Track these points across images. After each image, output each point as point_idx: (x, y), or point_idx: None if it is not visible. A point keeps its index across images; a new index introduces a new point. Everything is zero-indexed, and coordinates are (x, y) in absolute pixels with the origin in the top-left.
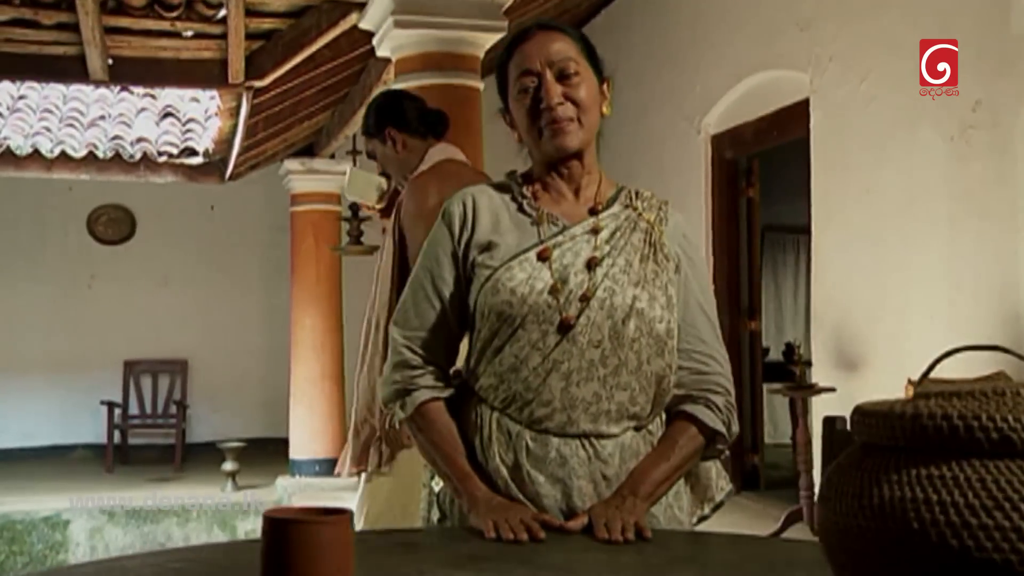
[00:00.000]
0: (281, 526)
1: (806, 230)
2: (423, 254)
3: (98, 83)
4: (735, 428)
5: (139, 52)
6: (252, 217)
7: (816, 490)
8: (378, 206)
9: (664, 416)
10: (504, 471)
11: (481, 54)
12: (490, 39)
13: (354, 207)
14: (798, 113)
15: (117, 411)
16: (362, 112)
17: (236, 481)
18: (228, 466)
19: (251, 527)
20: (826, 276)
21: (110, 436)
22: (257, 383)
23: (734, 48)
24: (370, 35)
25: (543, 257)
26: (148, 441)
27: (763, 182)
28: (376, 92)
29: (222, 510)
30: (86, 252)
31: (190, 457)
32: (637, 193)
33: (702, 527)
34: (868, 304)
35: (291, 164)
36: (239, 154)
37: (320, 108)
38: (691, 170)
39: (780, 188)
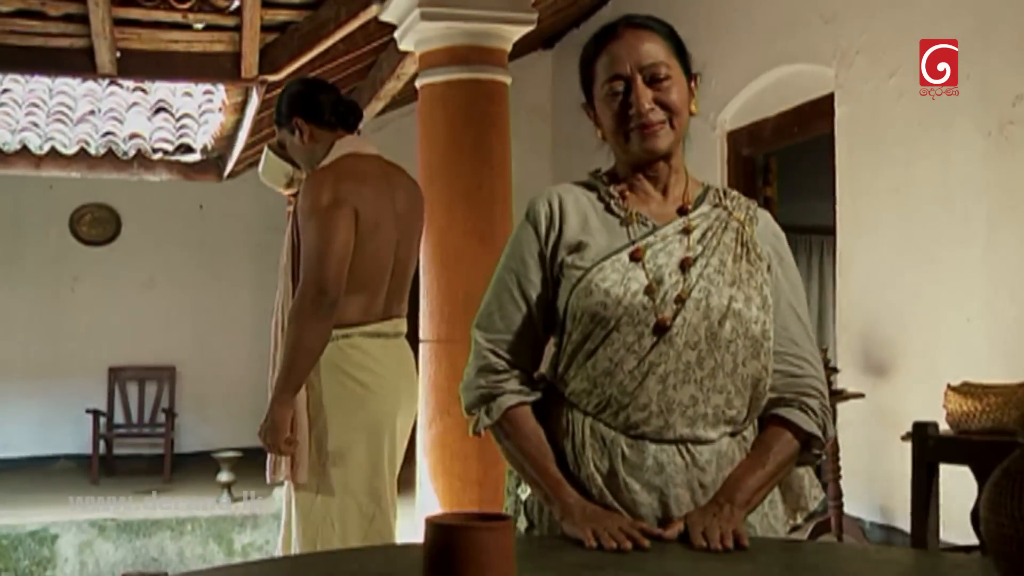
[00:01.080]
0: (446, 532)
1: (828, 230)
2: (507, 255)
3: (106, 77)
4: (831, 432)
5: (149, 45)
6: (243, 217)
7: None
8: (287, 192)
9: (757, 423)
10: (599, 479)
11: (509, 47)
12: (518, 32)
13: None
14: (822, 108)
15: (102, 420)
16: (369, 109)
17: (232, 492)
18: (224, 476)
19: (248, 540)
20: (852, 278)
21: (95, 446)
22: (249, 390)
23: (753, 41)
24: (387, 28)
25: (635, 258)
26: (134, 451)
27: (781, 180)
28: (388, 87)
29: (218, 523)
30: (68, 253)
31: (179, 468)
32: (725, 192)
33: None
34: (898, 307)
35: None
36: (242, 151)
37: None
38: (706, 167)
39: (800, 187)
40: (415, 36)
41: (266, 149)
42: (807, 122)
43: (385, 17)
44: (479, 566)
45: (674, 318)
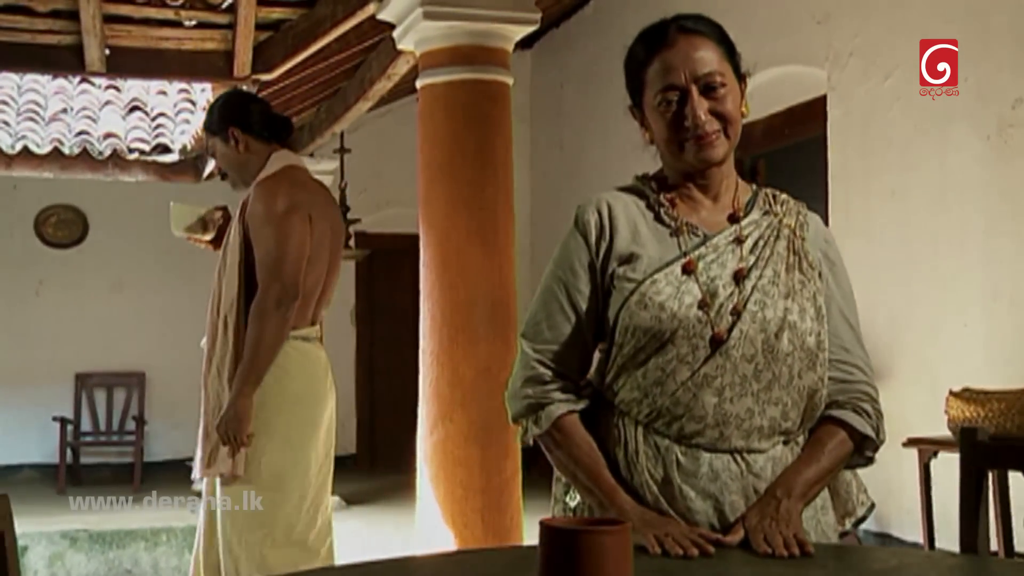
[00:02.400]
0: (564, 535)
1: None
2: (555, 264)
3: (95, 75)
4: (883, 435)
5: (139, 42)
6: None
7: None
8: (206, 237)
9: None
10: (653, 486)
11: (511, 47)
12: (521, 31)
13: (343, 208)
14: (814, 111)
15: (69, 428)
16: (357, 108)
17: None
18: (198, 485)
19: None
20: None
21: (62, 455)
22: None
23: (742, 42)
24: (380, 27)
25: (688, 270)
26: (101, 460)
27: (769, 183)
28: (378, 87)
29: (193, 533)
30: (33, 256)
31: (149, 476)
32: (774, 196)
33: None
34: (894, 313)
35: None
36: None
37: (310, 104)
38: None
39: (788, 190)
40: (416, 35)
41: (171, 204)
42: (798, 124)
43: (383, 16)
44: (597, 569)
45: (730, 331)
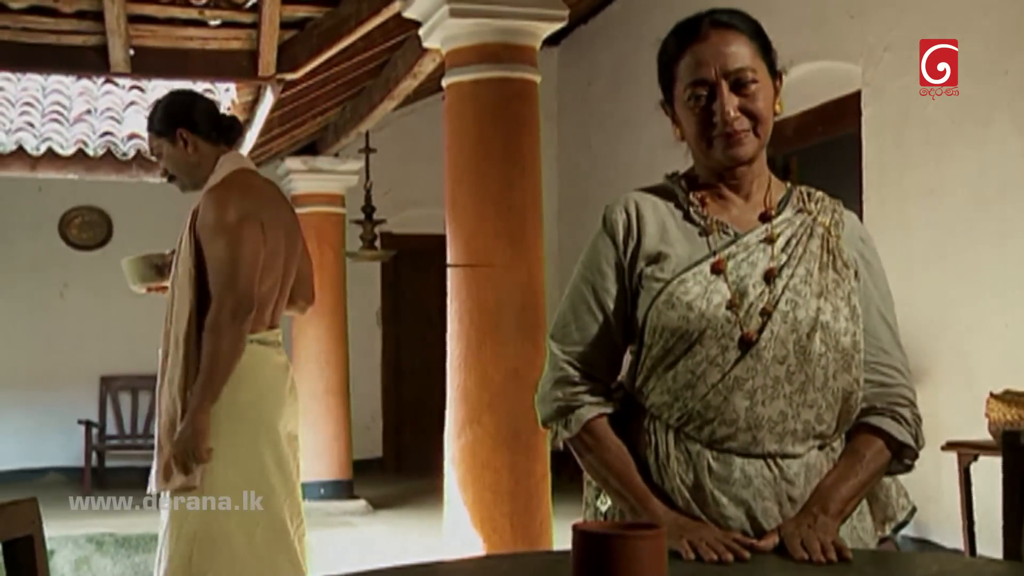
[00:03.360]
0: (598, 540)
1: None
2: (583, 265)
3: (119, 75)
4: (922, 441)
5: (163, 42)
6: None
7: None
8: (166, 283)
9: (844, 434)
10: (685, 491)
11: (539, 44)
12: (548, 28)
13: (368, 209)
14: (847, 107)
15: (94, 431)
16: (382, 107)
17: None
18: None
19: None
20: None
21: (87, 458)
22: None
23: (774, 37)
24: (405, 25)
25: (717, 269)
26: (127, 463)
27: (802, 181)
28: (403, 86)
29: None
30: (58, 258)
31: None
32: (809, 194)
33: None
34: (931, 313)
35: (292, 163)
36: (250, 152)
37: (335, 103)
38: None
39: (821, 188)
40: (442, 33)
41: (123, 261)
42: (831, 121)
43: (409, 14)
44: (631, 574)
45: (761, 331)
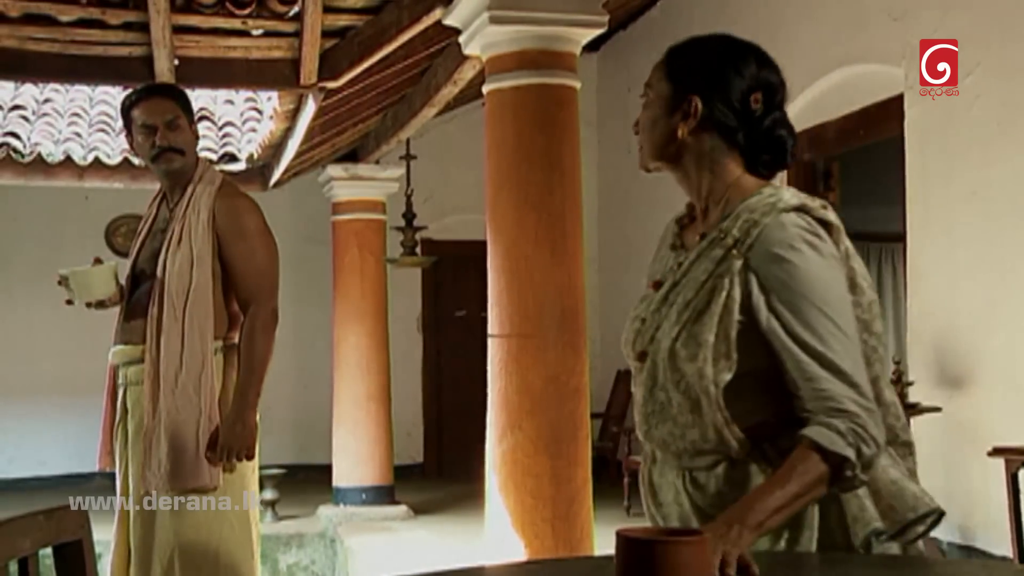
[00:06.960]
0: (642, 546)
1: (896, 237)
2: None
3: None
4: (868, 452)
5: (207, 52)
6: (283, 227)
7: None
8: (118, 297)
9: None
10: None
11: (578, 51)
12: (588, 35)
13: (409, 215)
14: (890, 110)
15: None
16: (422, 115)
17: (276, 511)
18: (268, 494)
19: (293, 560)
20: (924, 287)
21: None
22: (288, 406)
23: (814, 41)
24: (446, 32)
25: (655, 290)
26: None
27: (844, 186)
28: (444, 93)
29: (263, 542)
30: None
31: None
32: (753, 208)
33: None
34: (974, 316)
35: (333, 170)
36: (291, 159)
37: (376, 111)
38: None
39: (864, 192)
40: (482, 40)
41: (68, 272)
42: (873, 125)
43: (449, 21)
44: None
45: (645, 357)
